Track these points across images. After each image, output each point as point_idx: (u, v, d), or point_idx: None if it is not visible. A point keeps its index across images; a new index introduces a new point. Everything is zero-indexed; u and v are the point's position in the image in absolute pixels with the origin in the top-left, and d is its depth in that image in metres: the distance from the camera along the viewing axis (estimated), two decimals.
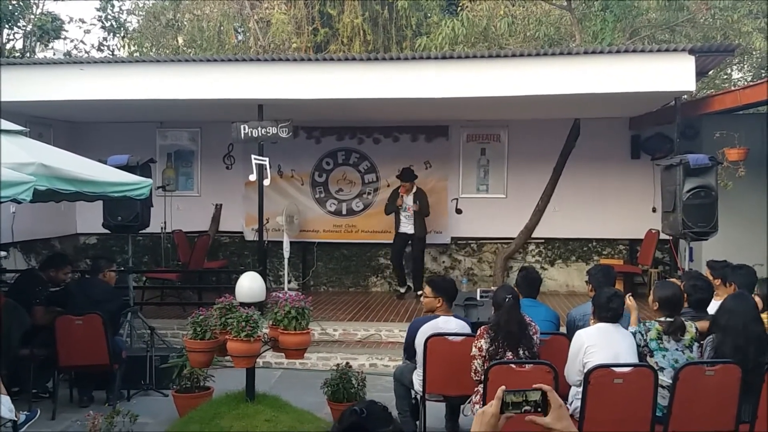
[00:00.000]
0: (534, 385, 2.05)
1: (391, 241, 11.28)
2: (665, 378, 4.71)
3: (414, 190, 10.62)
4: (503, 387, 2.04)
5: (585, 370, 4.63)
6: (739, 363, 4.60)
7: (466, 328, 5.52)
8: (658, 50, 8.31)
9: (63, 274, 7.52)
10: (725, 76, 16.67)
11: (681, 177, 7.63)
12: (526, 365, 4.81)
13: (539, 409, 2.03)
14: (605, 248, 11.53)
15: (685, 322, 4.94)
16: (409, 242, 10.83)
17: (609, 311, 4.87)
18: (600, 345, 4.73)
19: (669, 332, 4.86)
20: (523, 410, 2.03)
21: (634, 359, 4.78)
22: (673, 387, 4.57)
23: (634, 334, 4.95)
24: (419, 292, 10.53)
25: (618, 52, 8.43)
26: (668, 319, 4.92)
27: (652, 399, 4.57)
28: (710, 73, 11.59)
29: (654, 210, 10.56)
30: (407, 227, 10.68)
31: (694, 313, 5.43)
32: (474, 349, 5.08)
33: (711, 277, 5.96)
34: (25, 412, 5.89)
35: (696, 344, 4.92)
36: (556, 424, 2.03)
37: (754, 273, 5.97)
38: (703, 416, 4.56)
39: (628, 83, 8.20)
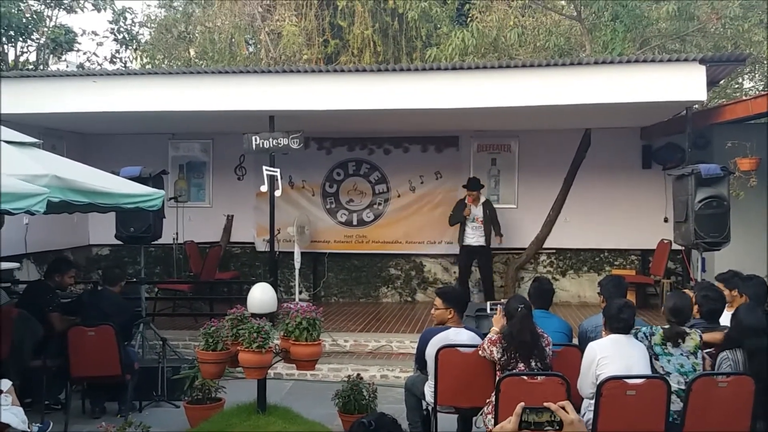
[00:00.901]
0: (544, 404, 2.08)
1: (391, 252, 11.24)
2: (671, 381, 4.74)
3: (482, 200, 10.49)
4: (522, 404, 2.05)
5: (597, 382, 4.61)
6: None
7: (477, 340, 5.50)
8: (669, 60, 8.29)
9: (68, 278, 7.50)
10: (736, 86, 16.62)
11: (693, 187, 7.60)
12: (539, 377, 4.79)
13: (558, 427, 2.05)
14: (617, 259, 11.49)
15: (688, 331, 4.96)
16: (476, 255, 10.54)
17: (620, 322, 4.86)
18: (613, 357, 4.72)
19: (668, 338, 4.91)
20: (545, 429, 2.05)
21: (647, 370, 4.77)
22: (686, 398, 4.55)
23: (635, 333, 4.98)
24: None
25: (628, 62, 8.42)
26: (665, 326, 4.96)
27: (664, 410, 4.55)
28: (721, 82, 11.57)
29: (666, 220, 10.52)
30: (474, 239, 10.41)
31: (706, 324, 5.42)
32: (485, 347, 5.09)
33: (727, 290, 5.91)
34: (37, 424, 5.92)
35: (700, 351, 4.94)
36: None
37: (764, 283, 5.95)
38: (715, 427, 4.53)
39: (638, 93, 8.18)
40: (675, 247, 9.44)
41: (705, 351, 5.08)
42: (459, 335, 5.50)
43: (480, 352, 5.19)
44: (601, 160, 11.12)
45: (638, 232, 11.05)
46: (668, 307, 5.10)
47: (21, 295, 7.59)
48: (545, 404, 2.08)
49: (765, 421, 4.59)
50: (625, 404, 4.52)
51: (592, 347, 4.88)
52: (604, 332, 5.04)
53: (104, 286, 7.43)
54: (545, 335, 5.15)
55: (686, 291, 6.19)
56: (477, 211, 10.39)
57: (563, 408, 2.08)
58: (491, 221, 10.40)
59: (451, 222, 10.66)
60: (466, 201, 10.41)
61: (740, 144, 8.39)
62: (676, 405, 4.67)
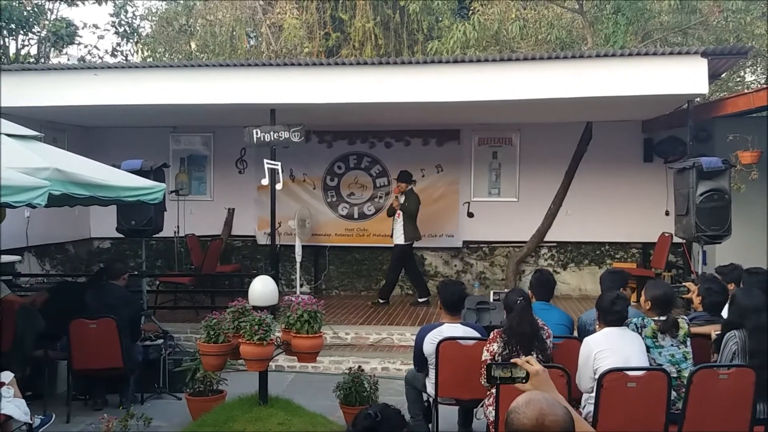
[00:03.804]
0: (512, 360, 2.37)
1: (392, 245, 11.27)
2: None
3: (407, 189, 10.31)
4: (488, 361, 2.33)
5: (597, 376, 4.62)
6: None
7: (472, 334, 5.51)
8: (671, 53, 8.28)
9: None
10: (738, 79, 16.58)
11: (694, 180, 7.60)
12: None
13: (524, 381, 2.33)
14: (618, 252, 11.50)
15: (677, 318, 4.98)
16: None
17: (614, 315, 4.87)
18: (610, 350, 4.72)
19: (664, 330, 4.92)
20: (515, 383, 2.32)
21: (645, 362, 4.78)
22: (687, 390, 4.56)
23: (626, 325, 4.98)
24: (422, 300, 10.53)
25: (630, 55, 8.41)
26: (661, 318, 4.96)
27: (665, 402, 4.56)
28: (723, 75, 11.53)
29: (667, 213, 10.51)
30: (395, 236, 10.36)
31: (708, 316, 5.45)
32: (485, 353, 5.07)
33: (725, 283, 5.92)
34: (39, 417, 5.93)
35: (689, 339, 4.97)
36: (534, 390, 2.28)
37: None
38: (717, 419, 4.54)
39: (640, 86, 8.18)
40: (676, 240, 9.43)
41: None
42: (453, 331, 5.51)
43: (484, 356, 5.15)
44: (602, 153, 11.11)
45: (639, 225, 11.04)
46: (655, 297, 5.08)
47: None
48: (512, 360, 2.33)
49: (766, 403, 4.61)
50: (626, 396, 4.53)
51: (588, 342, 4.89)
52: (597, 326, 5.04)
53: (108, 281, 7.40)
54: (546, 327, 5.16)
55: (688, 284, 6.22)
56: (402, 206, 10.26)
57: (528, 362, 2.31)
58: (408, 215, 10.19)
59: (388, 214, 10.66)
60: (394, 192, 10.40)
61: (742, 137, 8.38)
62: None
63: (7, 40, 15.14)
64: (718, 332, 5.08)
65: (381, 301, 10.65)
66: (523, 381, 2.28)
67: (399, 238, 10.30)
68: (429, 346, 5.49)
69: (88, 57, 17.22)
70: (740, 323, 4.84)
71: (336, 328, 9.06)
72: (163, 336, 7.74)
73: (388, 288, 10.71)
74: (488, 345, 5.09)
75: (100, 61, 16.93)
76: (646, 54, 8.39)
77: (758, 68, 16.68)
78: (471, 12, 13.92)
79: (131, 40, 17.97)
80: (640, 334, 4.94)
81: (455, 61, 8.80)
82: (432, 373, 5.52)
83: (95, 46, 17.73)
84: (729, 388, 4.55)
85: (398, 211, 10.26)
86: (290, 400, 5.40)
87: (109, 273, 7.42)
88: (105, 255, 11.95)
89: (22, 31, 15.20)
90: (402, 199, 10.25)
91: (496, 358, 4.99)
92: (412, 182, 10.49)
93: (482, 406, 5.26)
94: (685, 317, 5.14)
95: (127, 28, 17.67)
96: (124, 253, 11.86)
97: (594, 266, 11.40)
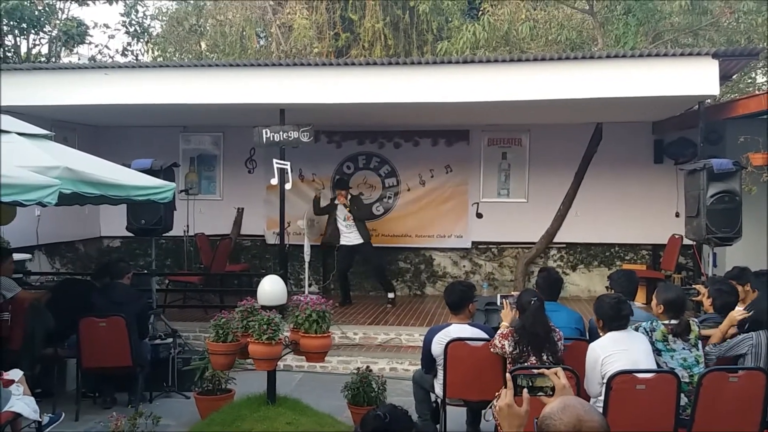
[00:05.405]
0: (539, 371, 2.35)
1: (401, 246, 11.27)
2: None
3: (348, 197, 10.44)
4: (508, 375, 2.28)
5: (605, 380, 4.60)
6: None
7: (480, 335, 5.50)
8: (682, 54, 8.24)
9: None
10: (749, 80, 16.47)
11: (705, 182, 7.57)
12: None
13: (551, 393, 2.28)
14: (628, 253, 11.46)
15: (690, 321, 4.96)
16: (357, 253, 10.55)
17: (621, 320, 4.82)
18: (617, 354, 4.68)
19: (677, 334, 4.90)
20: (538, 394, 2.22)
21: (652, 363, 4.76)
22: (696, 393, 4.54)
23: (636, 329, 4.94)
24: (391, 296, 10.68)
25: (641, 56, 8.38)
26: (673, 321, 4.94)
27: (674, 405, 4.54)
28: (734, 77, 11.46)
29: (677, 215, 10.47)
30: (350, 238, 10.40)
31: (719, 318, 5.43)
32: (498, 338, 5.09)
33: (740, 286, 5.89)
34: (49, 415, 5.95)
35: (700, 342, 4.95)
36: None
37: None
38: (726, 422, 4.52)
39: (650, 87, 8.14)
40: (686, 242, 9.39)
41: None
42: (462, 332, 5.50)
43: (491, 349, 5.18)
44: (612, 154, 11.08)
45: (649, 227, 11.01)
46: (668, 300, 5.06)
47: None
48: (541, 370, 2.34)
49: None
50: (635, 399, 4.51)
51: (594, 348, 4.84)
52: (601, 331, 4.99)
53: (113, 280, 7.40)
54: (557, 330, 5.14)
55: (698, 286, 6.19)
56: (345, 210, 10.38)
57: (555, 374, 2.29)
58: (359, 209, 10.40)
59: (316, 212, 10.71)
60: (337, 201, 10.40)
61: (753, 139, 8.33)
62: (681, 400, 4.65)
63: (18, 39, 15.20)
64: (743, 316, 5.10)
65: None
66: (549, 393, 2.24)
67: (357, 239, 10.36)
68: (437, 347, 5.48)
69: (99, 56, 17.25)
70: (760, 323, 4.84)
71: (344, 328, 9.07)
72: (172, 335, 7.76)
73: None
74: (500, 340, 5.09)
75: (110, 60, 16.96)
76: (657, 55, 8.36)
77: None
78: (481, 12, 13.89)
79: (142, 40, 17.99)
80: (650, 337, 4.91)
81: (465, 62, 8.78)
82: (440, 373, 5.51)
83: (106, 46, 17.83)
84: (739, 391, 4.53)
85: (348, 216, 10.31)
86: (298, 399, 5.41)
87: (113, 272, 7.43)
88: (115, 254, 11.99)
89: (33, 31, 15.25)
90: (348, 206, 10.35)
91: (506, 357, 4.99)
92: (349, 188, 10.75)
93: (491, 407, 5.25)
94: (696, 319, 5.12)
95: (138, 28, 17.69)
96: (134, 252, 11.91)
97: (603, 268, 11.36)
